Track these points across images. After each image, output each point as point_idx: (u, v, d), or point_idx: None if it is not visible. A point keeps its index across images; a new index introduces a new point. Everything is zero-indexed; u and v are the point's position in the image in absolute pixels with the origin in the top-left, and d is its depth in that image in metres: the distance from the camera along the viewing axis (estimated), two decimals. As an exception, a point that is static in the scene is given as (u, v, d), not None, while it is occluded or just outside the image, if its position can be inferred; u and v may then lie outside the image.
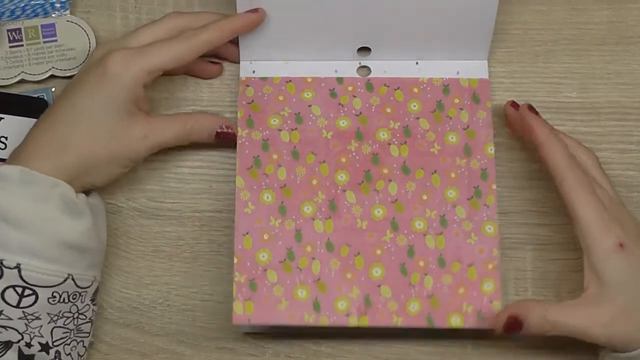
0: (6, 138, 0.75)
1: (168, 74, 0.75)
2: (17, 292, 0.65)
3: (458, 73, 0.76)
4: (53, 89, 0.77)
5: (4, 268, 0.65)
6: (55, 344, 0.68)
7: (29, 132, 0.70)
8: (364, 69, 0.77)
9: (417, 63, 0.77)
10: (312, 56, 0.76)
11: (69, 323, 0.68)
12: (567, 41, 0.78)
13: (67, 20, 0.76)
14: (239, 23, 0.74)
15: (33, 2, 0.76)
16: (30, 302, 0.66)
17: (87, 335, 0.71)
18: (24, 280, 0.65)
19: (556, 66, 0.78)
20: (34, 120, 0.73)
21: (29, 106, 0.76)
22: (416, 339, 0.75)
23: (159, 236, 0.76)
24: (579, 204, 0.68)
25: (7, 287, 0.65)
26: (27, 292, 0.65)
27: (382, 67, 0.76)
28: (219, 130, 0.74)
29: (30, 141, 0.69)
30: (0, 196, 0.66)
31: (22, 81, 0.76)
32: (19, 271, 0.65)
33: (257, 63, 0.77)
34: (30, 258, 0.65)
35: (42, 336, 0.67)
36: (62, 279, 0.67)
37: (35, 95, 0.76)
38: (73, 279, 0.67)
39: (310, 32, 0.74)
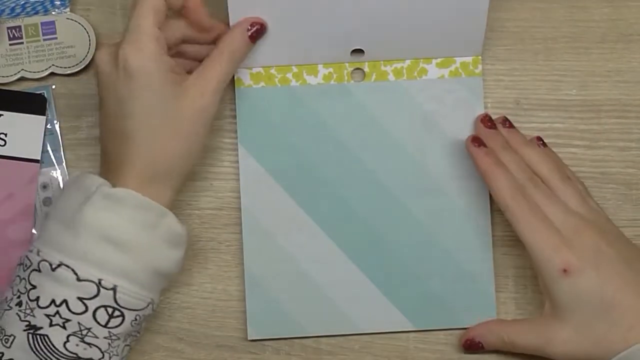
0: (6, 135, 0.75)
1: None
2: (107, 313, 0.65)
3: (452, 69, 0.76)
4: (53, 87, 0.77)
5: (101, 288, 0.65)
6: None
7: (107, 147, 0.69)
8: (358, 71, 0.77)
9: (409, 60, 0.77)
10: (305, 59, 0.76)
11: (133, 342, 0.69)
12: (567, 39, 0.78)
13: (67, 18, 0.76)
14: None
15: (33, 0, 0.76)
16: (117, 324, 0.66)
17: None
18: (117, 302, 0.66)
19: (556, 64, 0.77)
20: (32, 117, 0.74)
21: (29, 103, 0.75)
22: (416, 337, 0.75)
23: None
24: (523, 233, 0.69)
25: (100, 307, 0.65)
26: (116, 313, 0.66)
27: (376, 70, 0.76)
28: (250, 35, 0.72)
29: (113, 156, 0.68)
30: (109, 217, 0.66)
31: (22, 79, 0.76)
32: (115, 293, 0.65)
33: (250, 68, 0.76)
34: (126, 281, 0.66)
35: (117, 355, 0.67)
36: (146, 304, 0.67)
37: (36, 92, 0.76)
38: (152, 304, 0.68)
39: (303, 35, 0.74)
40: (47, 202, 0.75)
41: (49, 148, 0.76)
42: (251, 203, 0.75)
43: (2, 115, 0.75)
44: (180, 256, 0.69)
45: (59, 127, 0.76)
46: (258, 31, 0.72)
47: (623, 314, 0.67)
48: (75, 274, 0.65)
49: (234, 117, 0.76)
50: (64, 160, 0.76)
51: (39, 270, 0.65)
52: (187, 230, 0.69)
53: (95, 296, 0.65)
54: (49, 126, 0.76)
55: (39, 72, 0.76)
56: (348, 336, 0.75)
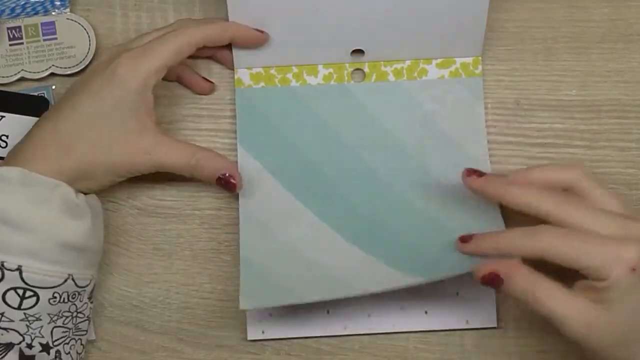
0: (7, 137, 0.75)
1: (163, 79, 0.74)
2: (18, 294, 0.65)
3: (452, 69, 0.76)
4: (53, 87, 0.77)
5: (5, 270, 0.65)
6: (55, 343, 0.68)
7: (28, 132, 0.70)
8: (359, 72, 0.77)
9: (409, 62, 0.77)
10: (305, 60, 0.76)
11: (68, 322, 0.68)
12: (567, 39, 0.78)
13: (67, 19, 0.76)
14: (242, 33, 0.73)
15: (33, 0, 0.76)
16: (32, 304, 0.66)
17: (85, 333, 0.71)
18: (25, 282, 0.65)
19: (556, 64, 0.77)
20: (34, 119, 0.74)
21: (29, 104, 0.76)
22: (416, 337, 0.75)
23: (159, 234, 0.76)
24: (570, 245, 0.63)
25: (9, 289, 0.65)
26: (28, 293, 0.65)
27: (376, 71, 0.76)
28: (220, 176, 0.72)
29: (30, 142, 0.69)
30: (1, 199, 0.66)
31: (22, 79, 0.76)
32: (20, 273, 0.65)
33: (250, 68, 0.76)
34: (31, 260, 0.65)
35: (42, 336, 0.67)
36: (63, 280, 0.67)
37: (36, 94, 0.76)
38: (73, 279, 0.67)
39: (303, 36, 0.74)
40: (47, 202, 0.75)
41: (49, 148, 0.76)
42: (250, 203, 0.75)
43: (4, 117, 0.75)
44: (88, 226, 0.68)
45: (59, 127, 0.76)
46: (227, 182, 0.72)
47: None
48: None
49: (234, 117, 0.76)
50: (64, 160, 0.76)
51: None
52: (91, 198, 0.69)
53: (1, 280, 0.65)
54: (49, 126, 0.76)
55: (39, 72, 0.76)
56: (348, 336, 0.75)
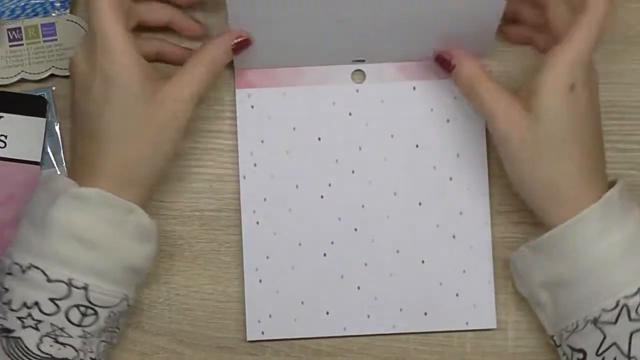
0: (6, 137, 0.75)
1: (149, 26, 0.73)
2: (80, 312, 0.66)
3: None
4: (53, 88, 0.77)
5: (72, 287, 0.65)
6: (99, 357, 0.68)
7: (73, 145, 0.70)
8: (359, 73, 0.76)
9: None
10: (306, 61, 0.76)
11: (109, 337, 0.69)
12: (568, 40, 0.77)
13: (67, 20, 0.76)
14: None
15: (33, 1, 0.76)
16: (91, 322, 0.66)
17: (114, 345, 0.72)
18: (89, 301, 0.66)
19: (557, 65, 0.77)
20: (34, 119, 0.74)
21: (29, 105, 0.76)
22: (416, 338, 0.75)
23: (159, 235, 0.76)
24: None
25: (72, 306, 0.65)
26: (89, 312, 0.66)
27: (376, 72, 0.76)
28: (233, 46, 0.72)
29: (84, 158, 0.68)
30: (77, 216, 0.66)
31: (22, 80, 0.76)
32: (86, 292, 0.66)
33: (251, 70, 0.76)
34: (97, 279, 0.66)
35: (92, 352, 0.67)
36: (119, 300, 0.68)
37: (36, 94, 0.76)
38: (127, 300, 0.68)
39: (303, 38, 0.74)
40: (47, 204, 0.75)
41: (49, 150, 0.76)
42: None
43: (3, 117, 0.75)
44: (152, 251, 0.69)
45: (59, 128, 0.76)
46: (242, 43, 0.72)
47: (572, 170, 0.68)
48: (46, 275, 0.65)
49: (234, 118, 0.76)
50: (64, 161, 0.76)
51: (11, 273, 0.66)
52: (157, 224, 0.69)
53: (67, 296, 0.65)
54: (49, 128, 0.76)
55: (39, 73, 0.76)
56: (348, 337, 0.75)
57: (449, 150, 0.75)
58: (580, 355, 0.68)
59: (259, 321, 0.75)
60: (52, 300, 0.65)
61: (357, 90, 0.76)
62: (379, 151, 0.75)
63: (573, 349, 0.69)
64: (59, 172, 0.75)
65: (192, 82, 0.69)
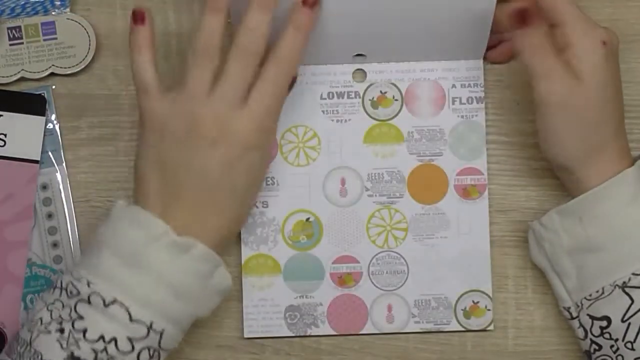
0: (5, 135, 0.75)
1: None
2: (149, 354, 0.66)
3: (453, 72, 0.76)
4: (53, 87, 0.77)
5: (151, 331, 0.65)
6: None
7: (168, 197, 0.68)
8: (360, 72, 0.76)
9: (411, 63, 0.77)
10: (307, 60, 0.75)
11: None
12: (568, 39, 0.77)
13: (67, 18, 0.76)
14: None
15: (33, 0, 0.76)
16: None
17: None
18: (159, 345, 0.66)
19: (557, 64, 0.77)
20: (33, 117, 0.74)
21: (28, 103, 0.76)
22: (416, 337, 0.75)
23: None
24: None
25: (145, 348, 0.65)
26: (155, 354, 0.66)
27: (377, 69, 0.76)
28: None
29: (156, 191, 0.68)
30: (174, 265, 0.66)
31: (22, 79, 0.76)
32: (160, 336, 0.66)
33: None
34: (173, 326, 0.66)
35: None
36: (178, 344, 0.68)
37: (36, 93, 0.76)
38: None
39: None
40: (46, 202, 0.75)
41: (48, 148, 0.76)
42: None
43: (2, 115, 0.75)
44: (218, 304, 0.69)
45: (59, 127, 0.76)
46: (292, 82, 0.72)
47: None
48: (129, 313, 0.65)
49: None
50: (63, 160, 0.76)
51: (89, 303, 0.65)
52: (231, 281, 0.70)
53: (144, 338, 0.65)
54: (48, 126, 0.76)
55: (39, 72, 0.76)
56: (348, 336, 0.75)
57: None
58: (604, 323, 0.68)
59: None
60: (129, 339, 0.65)
61: (358, 89, 0.76)
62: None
63: (594, 318, 0.69)
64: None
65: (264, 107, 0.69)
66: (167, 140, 0.67)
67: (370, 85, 0.76)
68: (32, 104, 0.75)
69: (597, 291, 0.68)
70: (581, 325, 0.70)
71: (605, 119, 0.69)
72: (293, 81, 0.71)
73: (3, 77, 0.76)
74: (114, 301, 0.64)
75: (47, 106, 0.76)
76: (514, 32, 0.67)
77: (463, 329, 0.75)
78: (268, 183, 0.75)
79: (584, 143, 0.69)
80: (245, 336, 0.75)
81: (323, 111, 0.76)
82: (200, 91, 0.67)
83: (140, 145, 0.69)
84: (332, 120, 0.76)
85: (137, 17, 0.69)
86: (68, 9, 0.77)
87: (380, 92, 0.76)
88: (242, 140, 0.67)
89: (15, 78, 0.76)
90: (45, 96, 0.76)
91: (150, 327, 0.65)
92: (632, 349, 0.67)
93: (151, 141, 0.68)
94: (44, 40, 0.76)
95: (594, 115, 0.68)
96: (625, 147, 0.71)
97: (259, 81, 0.68)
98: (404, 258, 0.75)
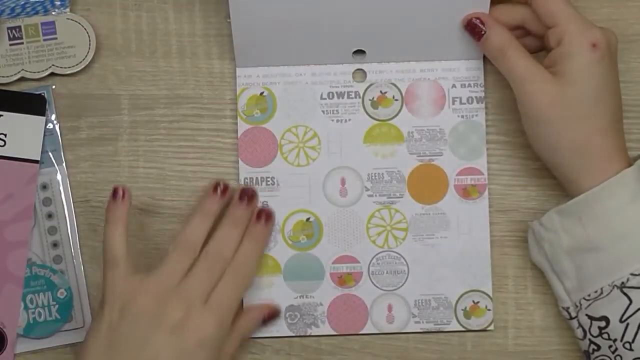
0: (5, 135, 0.75)
1: None
2: None
3: (453, 72, 0.76)
4: (53, 87, 0.77)
5: None
6: None
7: None
8: (360, 72, 0.76)
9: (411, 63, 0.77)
10: (307, 60, 0.76)
11: None
12: (567, 39, 0.77)
13: (67, 18, 0.76)
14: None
15: (33, 0, 0.76)
16: None
17: None
18: None
19: (556, 64, 0.77)
20: (33, 117, 0.74)
21: (28, 103, 0.76)
22: (416, 337, 0.75)
23: (160, 234, 0.76)
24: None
25: None
26: None
27: (377, 69, 0.76)
28: (264, 318, 0.75)
29: None
30: None
31: (22, 79, 0.76)
32: None
33: (252, 69, 0.76)
34: None
35: None
36: None
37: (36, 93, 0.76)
38: None
39: (305, 37, 0.74)
40: (46, 202, 0.75)
41: (48, 148, 0.76)
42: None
43: (2, 115, 0.75)
44: None
45: (59, 127, 0.76)
46: (271, 315, 0.75)
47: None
48: None
49: (234, 117, 0.76)
50: (63, 160, 0.76)
51: None
52: None
53: None
54: (48, 126, 0.76)
55: (39, 72, 0.76)
56: (348, 336, 0.75)
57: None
58: (602, 324, 0.68)
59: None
60: None
61: (358, 88, 0.76)
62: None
63: (593, 318, 0.69)
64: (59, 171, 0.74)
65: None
66: (127, 318, 0.68)
67: (370, 85, 0.76)
68: (32, 104, 0.75)
69: (596, 291, 0.68)
70: (580, 325, 0.70)
71: (594, 119, 0.69)
72: (276, 315, 0.74)
73: (3, 77, 0.76)
74: None
75: (47, 106, 0.76)
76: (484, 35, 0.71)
77: (463, 329, 0.75)
78: (268, 183, 0.75)
79: (572, 143, 0.69)
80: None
81: (323, 111, 0.76)
82: (171, 278, 0.69)
83: (96, 321, 0.69)
84: (332, 120, 0.76)
85: (118, 193, 0.71)
86: (68, 9, 0.77)
87: (380, 92, 0.76)
88: (201, 334, 0.68)
89: (15, 78, 0.76)
90: (45, 96, 0.76)
91: None
92: (631, 349, 0.67)
93: (109, 318, 0.68)
94: (44, 40, 0.76)
95: (579, 116, 0.68)
96: (621, 147, 0.70)
97: (221, 283, 0.70)
98: (404, 258, 0.75)
